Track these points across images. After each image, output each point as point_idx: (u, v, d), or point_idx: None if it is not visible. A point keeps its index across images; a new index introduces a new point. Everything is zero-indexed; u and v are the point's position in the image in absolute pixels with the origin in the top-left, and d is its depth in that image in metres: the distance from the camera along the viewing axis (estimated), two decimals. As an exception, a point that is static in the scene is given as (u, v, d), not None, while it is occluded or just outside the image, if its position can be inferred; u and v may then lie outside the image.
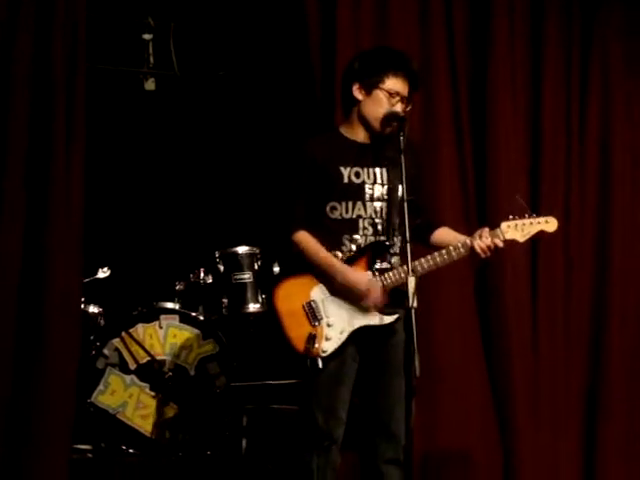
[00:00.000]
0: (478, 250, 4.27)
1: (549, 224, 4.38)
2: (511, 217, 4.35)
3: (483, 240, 4.27)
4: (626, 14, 6.17)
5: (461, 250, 4.29)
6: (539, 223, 4.37)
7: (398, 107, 4.34)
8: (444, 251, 4.29)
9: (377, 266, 4.28)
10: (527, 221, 4.35)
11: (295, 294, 4.27)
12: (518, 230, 4.34)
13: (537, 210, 4.44)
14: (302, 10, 5.58)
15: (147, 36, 7.27)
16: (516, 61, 5.94)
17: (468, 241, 4.29)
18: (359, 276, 4.25)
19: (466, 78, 5.86)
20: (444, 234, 4.47)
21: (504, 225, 4.33)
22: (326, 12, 5.56)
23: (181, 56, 7.36)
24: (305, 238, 4.30)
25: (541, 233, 4.39)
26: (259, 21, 6.98)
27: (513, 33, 5.94)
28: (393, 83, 4.34)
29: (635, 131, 6.16)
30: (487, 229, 4.31)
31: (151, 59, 7.33)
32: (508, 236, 4.33)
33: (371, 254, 4.30)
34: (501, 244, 4.30)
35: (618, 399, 5.97)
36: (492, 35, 5.87)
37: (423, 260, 4.27)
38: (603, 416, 5.95)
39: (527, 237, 4.37)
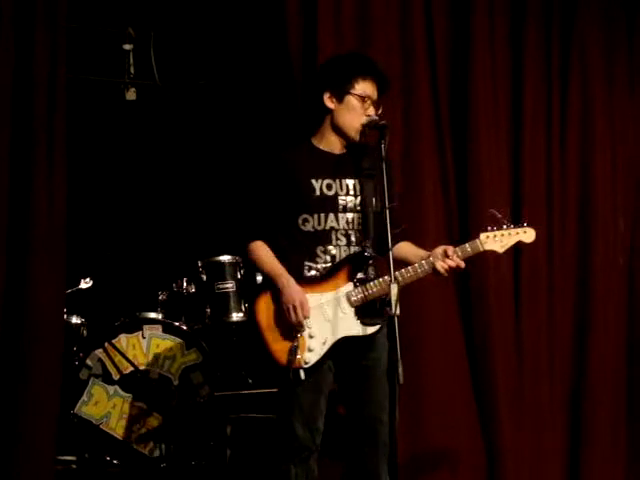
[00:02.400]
0: (441, 270, 4.27)
1: (527, 234, 4.38)
2: (489, 228, 4.34)
3: (447, 261, 4.26)
4: (605, 21, 6.20)
5: (425, 268, 4.29)
6: (517, 234, 4.36)
7: (371, 111, 4.33)
8: (410, 268, 4.28)
9: (358, 277, 4.28)
10: (505, 232, 4.34)
11: (276, 306, 4.26)
12: (497, 241, 4.33)
13: (519, 221, 4.45)
14: (283, 18, 5.58)
15: (127, 46, 7.27)
16: (497, 71, 5.95)
17: (431, 259, 4.27)
18: (294, 292, 4.23)
19: (447, 88, 5.87)
20: (404, 249, 4.44)
21: (483, 236, 4.32)
22: (307, 20, 5.57)
23: (162, 66, 7.36)
24: (259, 248, 4.31)
25: (520, 244, 4.41)
26: (239, 30, 6.99)
27: (493, 43, 5.94)
28: (363, 87, 4.33)
29: (615, 138, 6.19)
30: (452, 247, 4.30)
31: (132, 69, 7.33)
32: (487, 247, 4.33)
33: (351, 265, 4.29)
34: (463, 265, 4.29)
35: (601, 403, 5.99)
36: (473, 46, 5.87)
37: (397, 273, 4.26)
38: (586, 420, 5.99)
39: (506, 248, 4.37)
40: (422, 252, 4.37)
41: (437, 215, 5.76)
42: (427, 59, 5.81)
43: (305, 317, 4.20)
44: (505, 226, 4.35)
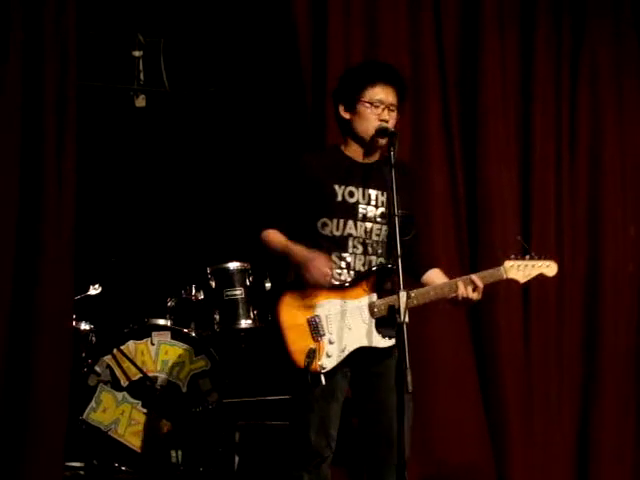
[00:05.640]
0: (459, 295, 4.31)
1: (549, 268, 4.45)
2: (513, 256, 4.40)
3: (467, 290, 4.30)
4: (616, 25, 6.20)
5: (448, 289, 4.32)
6: (540, 266, 4.43)
7: (385, 115, 4.32)
8: (437, 286, 4.32)
9: (383, 288, 4.29)
10: (529, 263, 4.41)
11: (300, 307, 4.25)
12: (520, 270, 4.40)
13: (529, 231, 4.46)
14: (293, 25, 5.60)
15: (137, 53, 7.28)
16: (507, 78, 5.98)
17: (456, 282, 4.32)
18: (306, 252, 4.23)
19: (456, 93, 5.89)
20: (435, 277, 4.45)
21: (507, 264, 4.38)
22: (317, 27, 5.59)
23: (171, 73, 7.37)
24: (270, 234, 4.32)
25: (540, 276, 4.44)
26: (249, 36, 6.99)
27: (503, 48, 5.98)
28: (372, 93, 4.32)
29: (625, 145, 6.20)
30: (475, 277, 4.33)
31: (141, 76, 7.34)
32: (510, 275, 4.39)
33: (376, 277, 4.29)
34: (477, 298, 4.32)
35: (611, 414, 6.00)
36: (482, 51, 5.90)
37: (423, 290, 4.30)
38: (596, 435, 5.99)
39: (527, 279, 4.43)
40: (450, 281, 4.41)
41: (445, 222, 5.76)
42: (436, 63, 5.83)
43: (328, 271, 4.19)
44: (528, 256, 4.41)
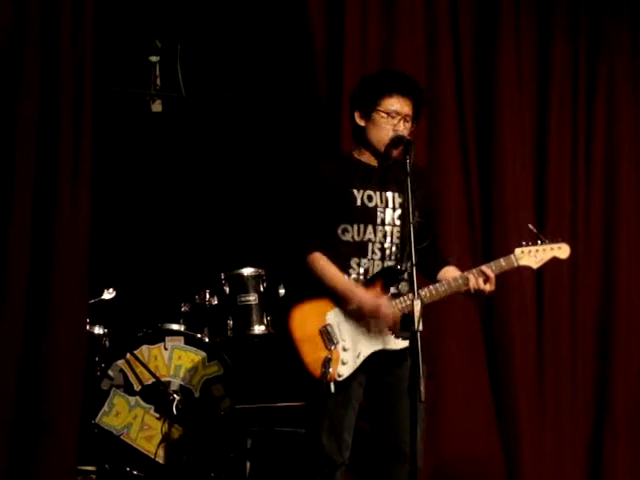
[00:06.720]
0: (470, 288, 4.28)
1: (562, 250, 4.39)
2: (524, 243, 4.35)
3: (478, 282, 4.27)
4: (632, 32, 6.20)
5: (460, 282, 4.29)
6: (552, 249, 4.37)
7: (400, 126, 4.33)
8: (444, 282, 4.30)
9: (391, 292, 4.27)
10: (540, 247, 4.35)
11: (310, 319, 4.26)
12: (532, 256, 4.34)
13: (543, 235, 4.44)
14: (308, 31, 5.61)
15: (154, 58, 7.30)
16: (523, 86, 5.98)
17: (466, 274, 4.30)
18: (372, 299, 4.23)
19: (473, 103, 5.89)
20: (450, 273, 4.44)
21: (518, 251, 4.33)
22: (332, 33, 5.59)
23: (188, 78, 7.38)
24: (321, 260, 4.29)
25: (554, 259, 4.39)
26: (265, 42, 7.01)
27: (520, 58, 5.97)
28: (389, 103, 4.33)
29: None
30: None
31: (158, 81, 7.36)
32: (522, 262, 4.33)
33: (384, 280, 4.29)
34: (490, 289, 4.30)
35: (624, 417, 5.99)
36: (499, 61, 5.91)
37: (432, 287, 4.28)
38: (608, 435, 5.98)
39: (540, 264, 4.37)
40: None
41: (460, 228, 5.76)
42: (453, 69, 5.83)
43: (388, 323, 4.21)
44: (540, 241, 4.35)
